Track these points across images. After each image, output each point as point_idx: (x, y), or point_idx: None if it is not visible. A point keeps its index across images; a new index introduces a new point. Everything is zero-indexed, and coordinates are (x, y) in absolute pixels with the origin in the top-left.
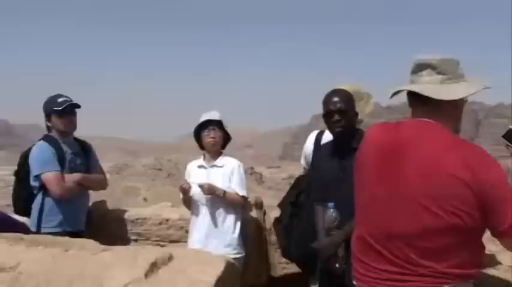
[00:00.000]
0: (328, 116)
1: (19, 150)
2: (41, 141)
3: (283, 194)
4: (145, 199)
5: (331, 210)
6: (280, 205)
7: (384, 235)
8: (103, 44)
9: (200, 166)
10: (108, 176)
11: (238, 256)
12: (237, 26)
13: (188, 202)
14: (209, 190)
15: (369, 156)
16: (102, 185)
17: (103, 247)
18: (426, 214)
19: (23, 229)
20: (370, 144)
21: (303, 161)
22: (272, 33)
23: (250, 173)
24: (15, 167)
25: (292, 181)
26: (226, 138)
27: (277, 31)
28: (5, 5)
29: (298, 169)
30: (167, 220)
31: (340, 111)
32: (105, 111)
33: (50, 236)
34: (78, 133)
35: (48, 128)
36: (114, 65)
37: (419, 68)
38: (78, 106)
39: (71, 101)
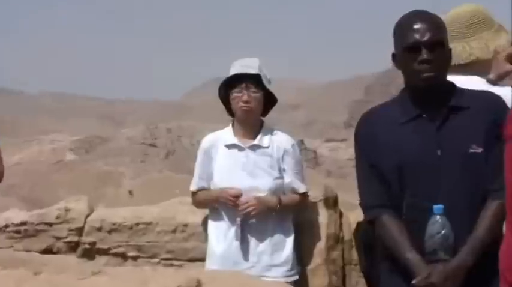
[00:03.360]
0: (408, 53)
1: None
2: None
3: (350, 182)
4: (130, 192)
5: (438, 217)
6: None
7: None
8: None
9: (232, 146)
10: (72, 156)
11: (292, 278)
12: None
13: (210, 203)
14: (260, 208)
15: None
16: None
17: (92, 268)
18: None
19: None
20: None
21: None
22: None
23: (299, 148)
24: None
25: None
26: (269, 101)
27: None
28: None
29: None
30: (185, 226)
31: (432, 44)
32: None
33: (10, 251)
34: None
35: None
36: None
37: None
38: None
39: None
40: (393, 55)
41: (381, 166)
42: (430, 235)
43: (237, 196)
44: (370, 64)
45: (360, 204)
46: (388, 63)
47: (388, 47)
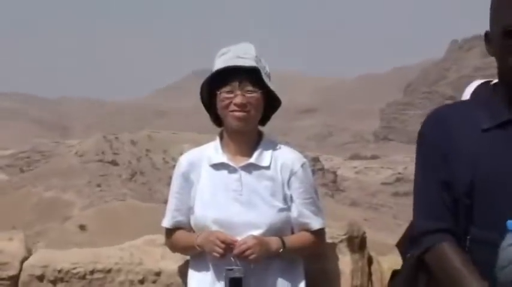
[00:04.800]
0: (508, 38)
1: None
2: None
3: (384, 215)
4: (82, 227)
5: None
6: (401, 245)
7: None
8: None
9: (219, 166)
10: (1, 177)
11: None
12: None
13: (191, 250)
14: (260, 252)
15: None
16: None
17: None
18: None
19: None
20: None
21: None
22: None
23: (312, 169)
24: None
25: (403, 186)
26: (270, 103)
27: None
28: None
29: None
30: (157, 274)
31: None
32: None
33: None
34: None
35: None
36: None
37: None
38: None
39: None
40: (486, 35)
41: (450, 183)
42: (505, 261)
43: (229, 243)
44: (413, 53)
45: (413, 228)
46: (438, 51)
47: (443, 28)
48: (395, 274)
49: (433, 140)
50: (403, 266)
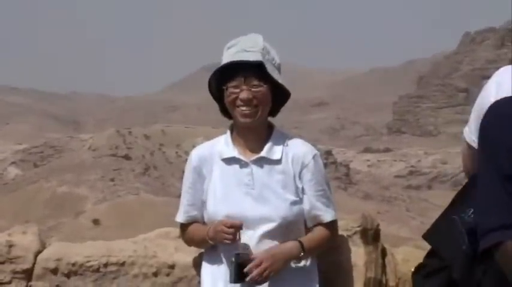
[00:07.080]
0: None
1: None
2: None
3: (397, 208)
4: (95, 221)
5: None
6: (428, 236)
7: None
8: None
9: (231, 160)
10: (15, 172)
11: None
12: None
13: (206, 243)
14: (277, 267)
15: None
16: None
17: None
18: None
19: None
20: None
21: (473, 137)
22: None
23: (324, 162)
24: None
25: (416, 179)
26: (279, 96)
27: None
28: None
29: (439, 153)
30: (171, 267)
31: None
32: None
33: None
34: None
35: None
36: None
37: None
38: None
39: None
40: None
41: None
42: None
43: (236, 227)
44: (425, 46)
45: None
46: (450, 44)
47: (455, 20)
48: (420, 267)
49: (493, 133)
50: (425, 258)
